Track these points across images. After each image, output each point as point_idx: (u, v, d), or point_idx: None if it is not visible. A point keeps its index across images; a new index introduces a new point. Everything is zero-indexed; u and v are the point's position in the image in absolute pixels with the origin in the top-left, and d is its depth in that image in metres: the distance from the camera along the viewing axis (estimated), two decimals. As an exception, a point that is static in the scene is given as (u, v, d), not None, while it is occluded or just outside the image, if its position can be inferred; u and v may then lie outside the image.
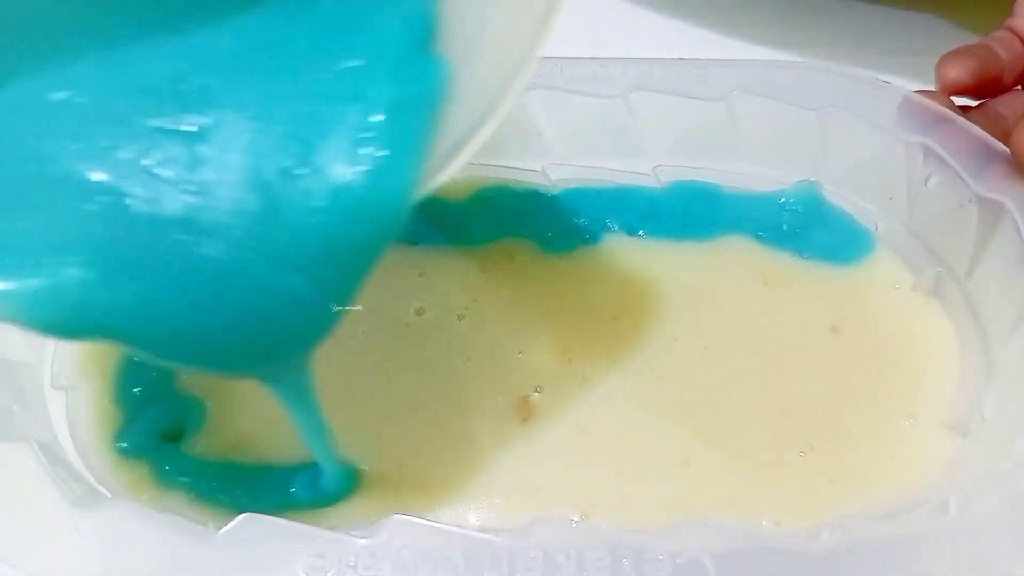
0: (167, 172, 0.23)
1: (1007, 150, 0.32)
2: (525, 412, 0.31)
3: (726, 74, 0.37)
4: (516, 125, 0.37)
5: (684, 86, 0.37)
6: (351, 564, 0.25)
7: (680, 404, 0.31)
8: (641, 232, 0.36)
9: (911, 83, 0.35)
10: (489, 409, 0.31)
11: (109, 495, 0.29)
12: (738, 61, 0.37)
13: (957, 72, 0.33)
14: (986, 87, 0.34)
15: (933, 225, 0.34)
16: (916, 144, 0.34)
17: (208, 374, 0.29)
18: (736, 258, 0.36)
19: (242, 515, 0.25)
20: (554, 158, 0.38)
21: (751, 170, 0.37)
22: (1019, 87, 0.35)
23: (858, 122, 0.35)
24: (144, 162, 0.23)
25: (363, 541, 0.25)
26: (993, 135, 0.33)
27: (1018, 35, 0.35)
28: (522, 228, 0.36)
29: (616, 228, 0.36)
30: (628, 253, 0.36)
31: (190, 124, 0.23)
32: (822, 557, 0.25)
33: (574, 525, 0.25)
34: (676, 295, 0.34)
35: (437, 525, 0.25)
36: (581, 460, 0.30)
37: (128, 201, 0.22)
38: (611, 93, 0.37)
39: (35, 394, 0.31)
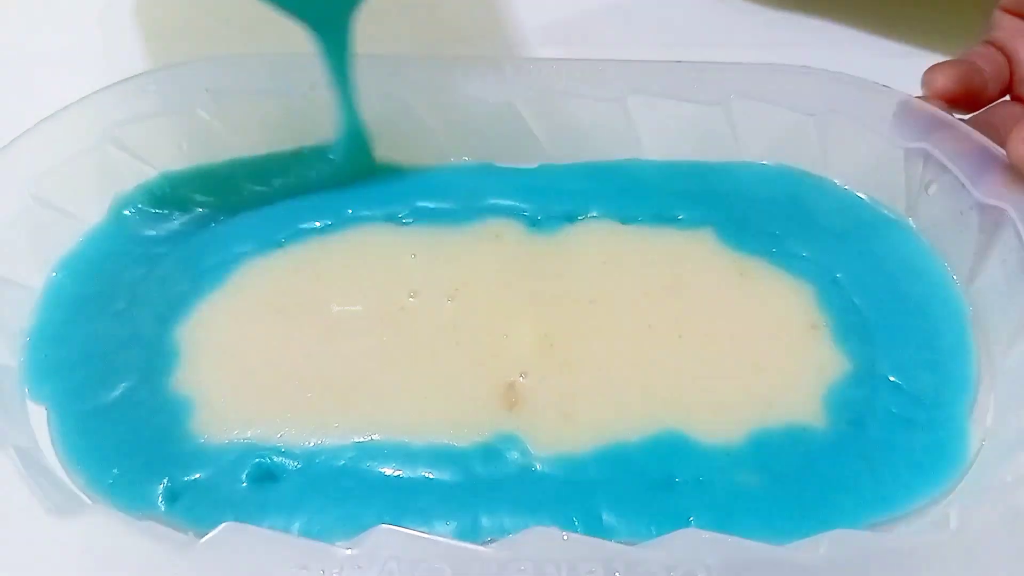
0: None
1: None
2: (512, 399, 0.30)
3: (724, 77, 0.36)
4: (511, 127, 0.37)
5: (681, 90, 0.36)
6: (336, 575, 0.24)
7: (656, 393, 0.31)
8: (626, 215, 0.36)
9: (913, 87, 0.35)
10: (479, 396, 0.31)
11: (89, 502, 0.28)
12: (736, 64, 0.36)
13: (944, 81, 0.33)
14: (972, 97, 0.34)
15: (934, 232, 0.34)
16: (916, 150, 0.33)
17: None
18: (716, 248, 0.35)
19: (223, 524, 0.25)
20: (549, 160, 0.37)
21: (749, 175, 0.37)
22: (1005, 98, 0.35)
23: (858, 127, 0.35)
24: None
25: (348, 551, 0.24)
26: None
27: (999, 48, 0.35)
28: (510, 207, 0.36)
29: (603, 209, 0.36)
30: (611, 236, 0.35)
31: None
32: (821, 570, 0.24)
33: (565, 539, 0.25)
34: (655, 281, 0.34)
35: (424, 535, 0.25)
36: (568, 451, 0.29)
37: None
38: (608, 96, 0.36)
39: (14, 398, 0.30)
